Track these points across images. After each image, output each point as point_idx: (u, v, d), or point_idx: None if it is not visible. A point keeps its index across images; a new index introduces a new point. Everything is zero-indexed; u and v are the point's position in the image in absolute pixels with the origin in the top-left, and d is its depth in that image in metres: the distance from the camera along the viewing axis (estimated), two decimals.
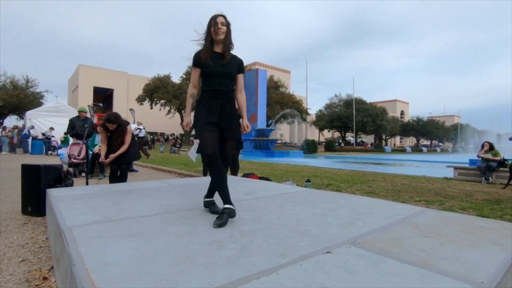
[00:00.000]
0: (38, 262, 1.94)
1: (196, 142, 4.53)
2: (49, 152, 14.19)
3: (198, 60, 2.16)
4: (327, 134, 56.82)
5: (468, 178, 7.37)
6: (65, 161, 6.85)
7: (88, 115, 6.67)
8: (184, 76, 33.39)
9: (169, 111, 34.26)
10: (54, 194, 2.79)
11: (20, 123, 20.96)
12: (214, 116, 2.10)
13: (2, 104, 24.39)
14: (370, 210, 2.43)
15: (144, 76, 41.00)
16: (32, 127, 14.77)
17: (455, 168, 8.00)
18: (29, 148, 14.42)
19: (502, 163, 6.90)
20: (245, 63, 2.42)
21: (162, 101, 32.95)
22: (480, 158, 7.32)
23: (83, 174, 6.12)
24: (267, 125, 24.43)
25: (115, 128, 4.00)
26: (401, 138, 65.09)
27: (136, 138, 4.76)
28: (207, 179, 3.12)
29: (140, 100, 33.39)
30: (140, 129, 10.73)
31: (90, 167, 5.80)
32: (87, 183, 4.35)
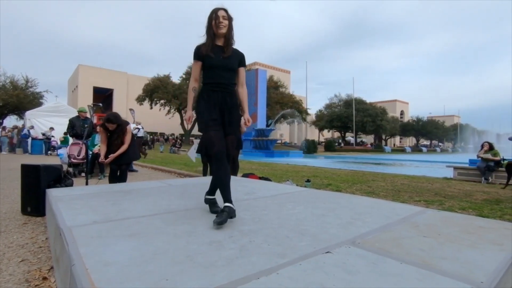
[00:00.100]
0: (38, 262, 1.94)
1: (196, 142, 4.53)
2: (49, 152, 14.18)
3: (198, 53, 2.13)
4: (327, 134, 56.84)
5: (468, 178, 7.38)
6: (64, 161, 6.85)
7: (88, 115, 6.66)
8: (184, 76, 33.39)
9: (169, 111, 34.26)
10: (54, 194, 2.78)
11: (19, 123, 20.98)
12: (215, 110, 2.07)
13: (2, 104, 24.39)
14: (370, 210, 2.43)
15: (144, 76, 40.99)
16: (32, 127, 14.75)
17: (455, 168, 8.00)
18: (29, 148, 14.41)
19: (498, 163, 6.91)
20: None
21: (162, 101, 32.95)
22: (479, 158, 7.33)
23: (83, 174, 6.12)
24: (267, 125, 24.46)
25: (115, 128, 3.99)
26: (401, 138, 65.11)
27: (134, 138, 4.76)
28: (207, 179, 3.12)
29: (140, 100, 33.38)
30: (139, 128, 10.72)
31: (89, 167, 5.80)
32: (86, 183, 4.35)
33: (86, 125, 6.21)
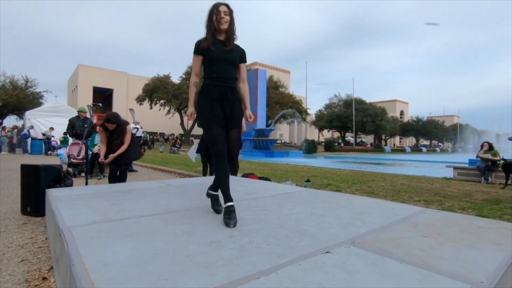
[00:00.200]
0: (38, 262, 1.94)
1: (196, 142, 4.52)
2: (49, 152, 14.18)
3: (199, 47, 2.11)
4: (327, 134, 56.84)
5: (468, 178, 7.38)
6: (64, 161, 6.84)
7: (88, 115, 6.66)
8: (183, 76, 33.37)
9: (168, 111, 34.24)
10: (54, 194, 2.78)
11: (19, 123, 20.98)
12: (217, 106, 2.06)
13: (2, 104, 24.37)
14: (370, 210, 2.43)
15: (143, 76, 40.96)
16: (32, 127, 14.74)
17: (455, 168, 8.01)
18: (29, 148, 14.40)
19: (494, 163, 6.91)
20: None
21: (162, 101, 32.92)
22: (479, 158, 7.33)
23: (83, 174, 6.12)
24: (267, 125, 24.46)
25: (115, 128, 3.99)
26: (400, 138, 65.13)
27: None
28: (207, 179, 3.13)
29: (140, 100, 33.37)
30: (137, 128, 10.71)
31: (89, 167, 5.80)
32: (86, 183, 4.35)
33: (85, 125, 6.20)
